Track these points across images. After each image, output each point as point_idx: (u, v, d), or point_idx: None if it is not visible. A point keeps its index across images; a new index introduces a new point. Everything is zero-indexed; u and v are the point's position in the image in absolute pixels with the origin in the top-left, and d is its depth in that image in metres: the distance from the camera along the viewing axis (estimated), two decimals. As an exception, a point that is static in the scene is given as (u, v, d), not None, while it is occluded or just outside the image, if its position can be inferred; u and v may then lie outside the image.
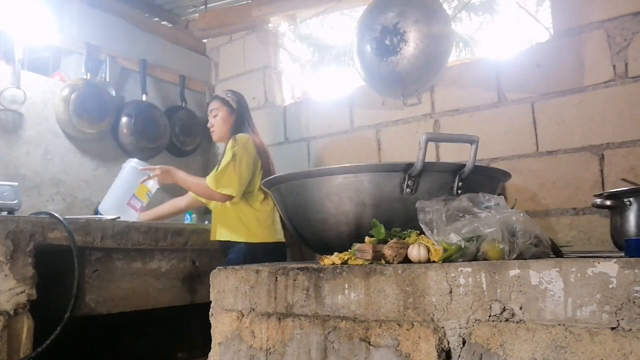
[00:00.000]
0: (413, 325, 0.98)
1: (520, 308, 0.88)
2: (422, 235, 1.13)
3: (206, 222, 2.78)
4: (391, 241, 1.11)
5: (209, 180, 2.16)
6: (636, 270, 0.79)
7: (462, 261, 1.01)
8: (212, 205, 2.33)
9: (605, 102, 2.08)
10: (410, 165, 1.24)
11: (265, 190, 2.03)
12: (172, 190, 2.84)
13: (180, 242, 2.29)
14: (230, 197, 2.16)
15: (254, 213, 2.23)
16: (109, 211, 2.47)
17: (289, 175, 1.44)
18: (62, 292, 1.86)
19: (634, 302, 0.79)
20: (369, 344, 1.02)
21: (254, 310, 1.21)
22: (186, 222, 2.94)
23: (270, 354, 1.15)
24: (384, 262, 1.10)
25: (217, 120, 2.37)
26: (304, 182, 1.38)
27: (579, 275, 0.84)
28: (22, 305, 1.70)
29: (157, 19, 3.41)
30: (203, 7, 3.28)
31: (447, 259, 1.03)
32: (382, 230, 1.18)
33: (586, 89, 2.13)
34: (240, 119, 2.37)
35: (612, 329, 0.80)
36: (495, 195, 1.15)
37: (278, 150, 3.08)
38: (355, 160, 2.71)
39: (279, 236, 2.30)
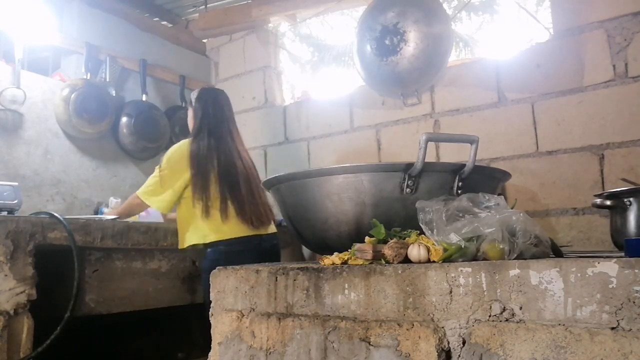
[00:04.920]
0: (413, 325, 0.98)
1: (520, 308, 0.88)
2: (422, 235, 1.12)
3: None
4: (391, 241, 1.11)
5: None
6: (636, 270, 0.79)
7: (462, 261, 1.01)
8: None
9: (605, 102, 2.08)
10: (410, 165, 1.24)
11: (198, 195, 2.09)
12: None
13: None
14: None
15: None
16: None
17: (289, 175, 1.44)
18: (62, 292, 1.86)
19: (634, 302, 0.79)
20: (369, 344, 1.02)
21: (254, 310, 1.21)
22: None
23: (270, 354, 1.15)
24: (384, 262, 1.10)
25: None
26: (304, 182, 1.38)
27: (579, 275, 0.84)
28: (22, 305, 1.70)
29: (157, 18, 3.41)
30: (203, 7, 3.28)
31: (447, 259, 1.03)
32: (382, 230, 1.18)
33: (586, 89, 2.13)
34: (197, 124, 2.21)
35: (612, 329, 0.80)
36: (495, 195, 1.15)
37: (278, 150, 3.08)
38: (355, 160, 2.71)
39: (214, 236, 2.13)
